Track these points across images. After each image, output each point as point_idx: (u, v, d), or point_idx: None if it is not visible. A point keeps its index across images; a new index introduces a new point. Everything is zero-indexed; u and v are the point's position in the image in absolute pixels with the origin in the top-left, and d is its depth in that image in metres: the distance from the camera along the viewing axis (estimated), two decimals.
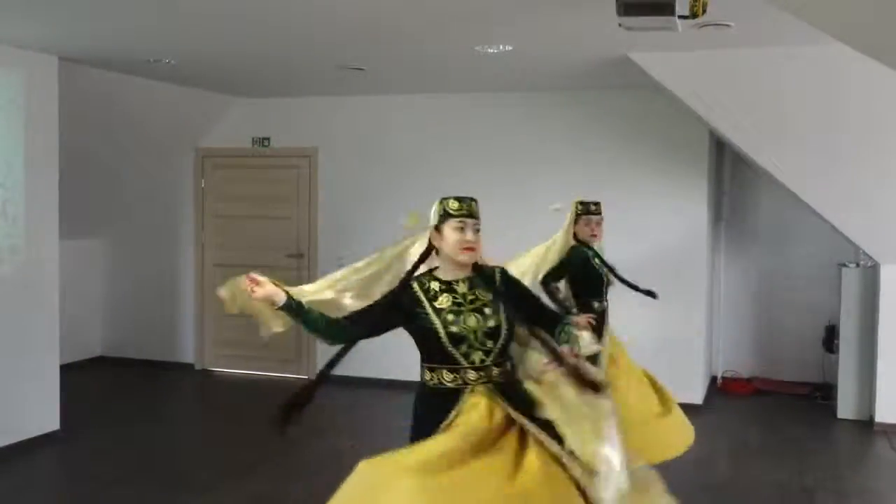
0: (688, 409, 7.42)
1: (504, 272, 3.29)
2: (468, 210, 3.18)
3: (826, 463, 6.20)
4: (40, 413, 6.41)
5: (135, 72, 7.10)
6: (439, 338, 3.07)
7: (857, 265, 7.36)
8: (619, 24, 4.26)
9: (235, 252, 8.94)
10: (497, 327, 3.11)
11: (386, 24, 5.27)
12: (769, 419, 7.38)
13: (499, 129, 8.06)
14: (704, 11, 4.14)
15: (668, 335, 7.60)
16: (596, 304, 5.46)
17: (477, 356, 3.06)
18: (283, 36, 5.68)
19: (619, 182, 7.63)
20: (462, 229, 3.14)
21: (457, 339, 3.07)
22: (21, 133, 6.17)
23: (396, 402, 7.59)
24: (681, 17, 4.15)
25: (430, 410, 3.09)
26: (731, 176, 8.57)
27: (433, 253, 3.26)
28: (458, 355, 3.07)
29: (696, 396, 7.58)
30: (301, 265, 8.74)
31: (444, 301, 3.12)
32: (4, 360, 6.11)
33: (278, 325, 3.17)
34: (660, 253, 7.58)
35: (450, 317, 3.09)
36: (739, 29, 5.17)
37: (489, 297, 3.16)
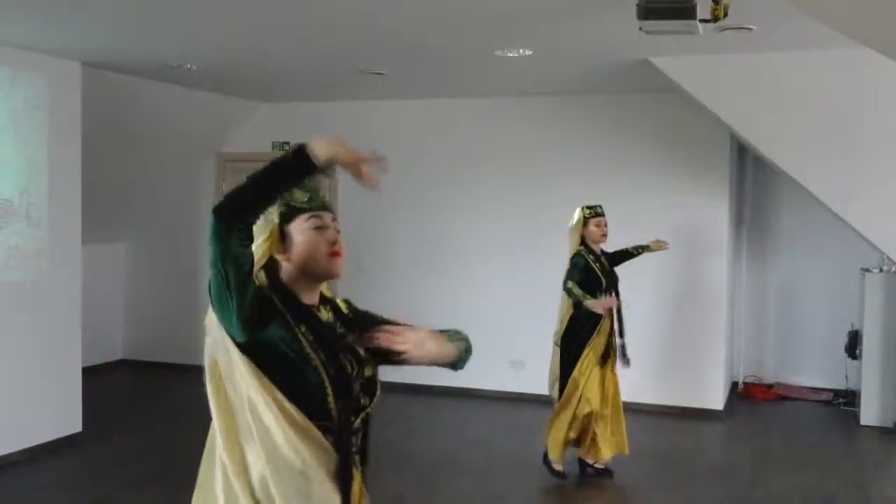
0: (709, 414, 7.44)
1: (349, 302, 2.34)
2: (322, 202, 2.19)
3: (849, 470, 6.15)
4: (62, 415, 6.46)
5: (157, 77, 7.15)
6: (321, 382, 2.06)
7: (881, 270, 7.29)
8: (640, 28, 4.25)
9: None
10: (373, 378, 2.22)
11: (406, 29, 5.28)
12: (791, 425, 7.32)
13: (518, 134, 8.05)
14: (726, 15, 4.12)
15: (689, 340, 7.57)
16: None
17: (344, 414, 2.09)
18: (303, 41, 5.71)
19: (639, 186, 7.61)
20: (321, 228, 2.15)
21: (341, 389, 2.10)
22: (45, 138, 6.23)
23: (415, 405, 7.62)
24: (702, 20, 4.13)
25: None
26: (752, 180, 8.52)
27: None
28: (336, 412, 2.07)
29: (718, 402, 7.53)
30: None
31: (305, 330, 2.10)
32: (27, 363, 6.17)
33: None
34: (681, 257, 7.54)
35: (321, 354, 2.08)
36: (761, 32, 5.14)
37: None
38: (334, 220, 2.21)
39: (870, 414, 7.19)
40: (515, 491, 5.60)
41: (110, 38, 5.74)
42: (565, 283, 5.64)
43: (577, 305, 5.60)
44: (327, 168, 1.96)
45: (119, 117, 7.59)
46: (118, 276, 9.41)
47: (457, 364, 2.30)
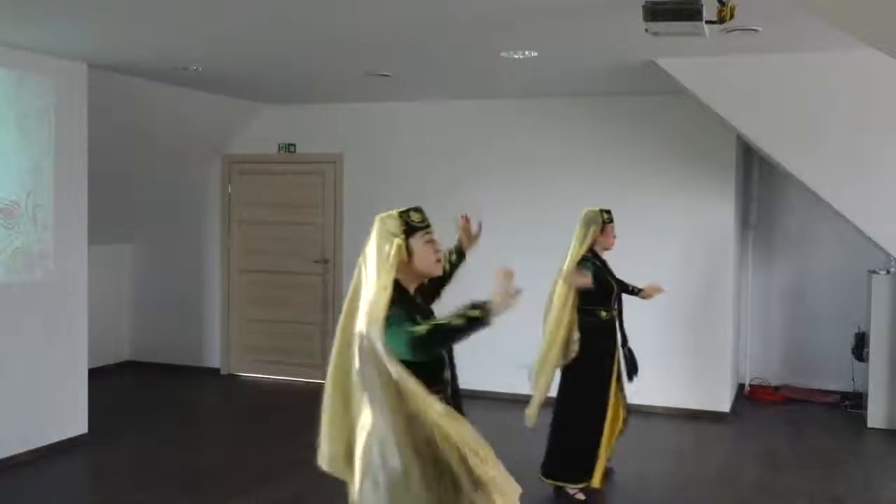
0: (715, 416, 7.43)
1: None
2: (427, 220, 3.07)
3: (856, 473, 6.12)
4: (68, 417, 6.47)
5: (163, 79, 7.17)
6: (442, 356, 3.01)
7: (888, 272, 7.27)
8: (646, 30, 4.24)
9: (261, 257, 9.00)
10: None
11: (411, 31, 5.28)
12: (797, 428, 7.30)
13: (524, 135, 8.05)
14: (732, 16, 4.11)
15: (696, 342, 7.55)
16: (603, 314, 5.43)
17: (448, 374, 3.05)
18: (308, 43, 5.71)
19: (645, 188, 7.60)
20: (431, 242, 3.02)
21: (450, 360, 3.08)
22: (51, 139, 6.25)
23: None
24: (708, 21, 4.12)
25: None
26: (758, 181, 8.50)
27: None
28: (446, 373, 3.02)
29: (724, 404, 7.51)
30: (326, 271, 8.77)
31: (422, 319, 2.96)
32: (34, 364, 6.18)
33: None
34: (687, 259, 7.54)
35: None
36: (767, 34, 5.13)
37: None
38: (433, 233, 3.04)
39: (877, 416, 7.17)
40: (521, 493, 5.59)
41: (117, 41, 5.75)
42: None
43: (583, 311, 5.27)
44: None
45: (125, 119, 7.61)
46: (124, 277, 9.43)
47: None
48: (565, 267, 5.31)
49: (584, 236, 5.37)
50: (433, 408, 2.77)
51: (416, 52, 5.98)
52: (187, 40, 5.72)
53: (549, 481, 5.40)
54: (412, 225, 2.97)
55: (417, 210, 3.04)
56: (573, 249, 5.37)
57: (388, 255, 2.89)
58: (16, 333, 6.04)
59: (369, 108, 8.50)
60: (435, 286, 3.26)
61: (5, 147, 5.93)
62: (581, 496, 5.36)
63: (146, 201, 9.14)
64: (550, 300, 5.34)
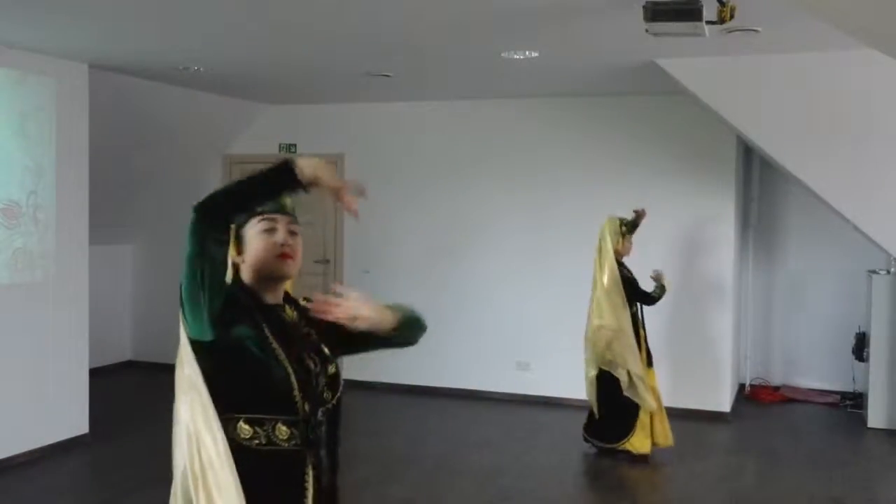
0: (715, 417, 7.43)
1: (310, 299, 2.26)
2: (277, 205, 2.23)
3: (856, 473, 6.13)
4: (69, 417, 6.48)
5: (164, 79, 7.17)
6: (286, 377, 2.13)
7: (888, 272, 7.27)
8: (647, 30, 4.25)
9: None
10: (336, 375, 2.27)
11: (413, 32, 5.29)
12: (798, 428, 7.30)
13: (524, 136, 8.05)
14: (732, 17, 4.12)
15: (696, 342, 7.56)
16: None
17: (309, 408, 2.18)
18: (308, 43, 5.72)
19: (645, 188, 7.59)
20: (271, 230, 2.21)
21: (305, 384, 2.17)
22: (52, 140, 6.25)
23: (419, 407, 7.62)
24: (708, 22, 4.13)
25: (261, 487, 2.12)
26: (758, 181, 8.51)
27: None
28: (300, 406, 2.15)
29: (724, 404, 7.51)
30: (327, 271, 8.77)
31: (270, 329, 2.18)
32: (35, 364, 6.18)
33: None
34: (687, 260, 7.54)
35: (285, 350, 2.17)
36: (767, 34, 5.14)
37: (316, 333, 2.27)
38: (291, 223, 2.25)
39: (877, 416, 7.17)
40: (521, 493, 5.60)
41: (117, 41, 5.76)
42: (649, 296, 6.43)
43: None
44: (309, 186, 2.06)
45: (126, 119, 7.61)
46: (126, 277, 9.43)
47: (402, 333, 2.32)
48: (606, 276, 6.18)
49: (610, 247, 6.21)
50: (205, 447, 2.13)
51: (416, 52, 5.99)
52: (187, 40, 5.72)
53: (604, 444, 6.29)
54: None
55: None
56: (608, 254, 6.21)
57: None
58: (16, 333, 6.05)
59: (369, 108, 8.51)
60: (351, 337, 2.26)
61: (6, 147, 5.94)
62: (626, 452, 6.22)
63: (146, 201, 9.14)
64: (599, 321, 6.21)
